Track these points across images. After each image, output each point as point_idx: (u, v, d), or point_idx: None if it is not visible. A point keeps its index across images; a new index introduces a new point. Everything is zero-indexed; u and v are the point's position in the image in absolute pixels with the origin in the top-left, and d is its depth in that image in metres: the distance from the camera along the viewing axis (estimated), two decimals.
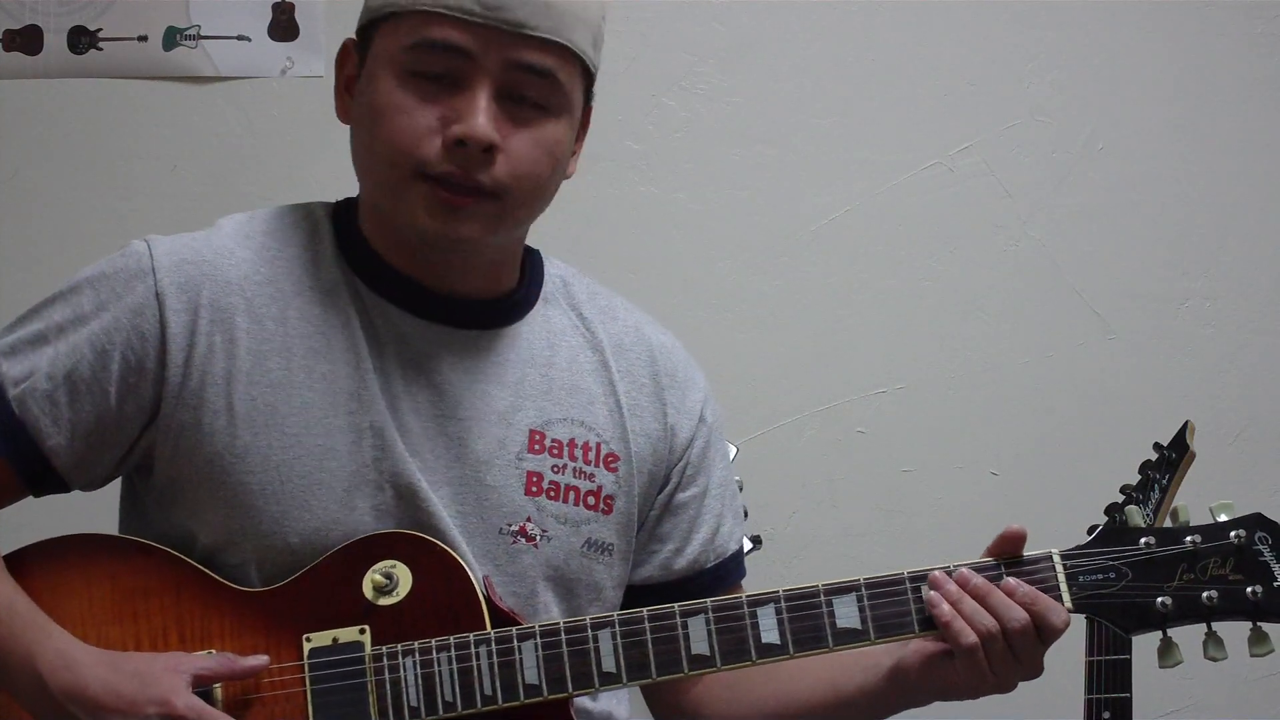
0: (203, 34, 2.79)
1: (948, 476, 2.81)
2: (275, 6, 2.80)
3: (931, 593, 1.64)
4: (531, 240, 1.83)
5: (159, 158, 2.80)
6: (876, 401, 2.81)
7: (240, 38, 2.80)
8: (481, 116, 1.63)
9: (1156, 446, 2.16)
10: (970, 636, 1.62)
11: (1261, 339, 2.82)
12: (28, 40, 2.79)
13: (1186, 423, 2.16)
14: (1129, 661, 2.16)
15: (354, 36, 1.75)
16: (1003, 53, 2.82)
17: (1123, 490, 2.15)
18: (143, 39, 2.79)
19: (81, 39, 2.79)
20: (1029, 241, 2.82)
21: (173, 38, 2.79)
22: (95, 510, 1.82)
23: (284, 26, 2.79)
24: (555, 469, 1.74)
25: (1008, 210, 2.82)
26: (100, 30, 2.79)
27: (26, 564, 1.68)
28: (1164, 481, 2.13)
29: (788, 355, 2.81)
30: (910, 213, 2.82)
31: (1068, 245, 2.82)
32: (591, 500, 1.75)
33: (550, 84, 1.67)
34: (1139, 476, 2.15)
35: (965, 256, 2.82)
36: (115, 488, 1.78)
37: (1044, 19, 2.82)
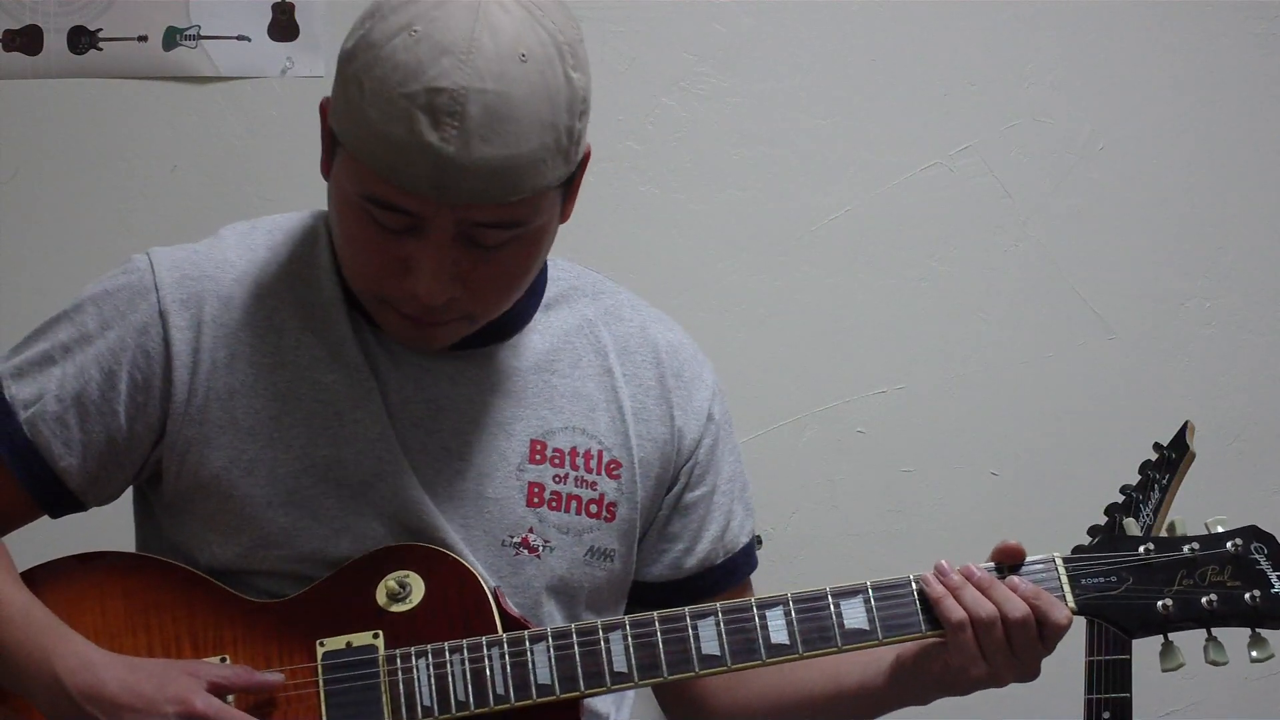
0: (203, 34, 2.79)
1: (948, 476, 2.81)
2: (275, 6, 2.79)
3: (929, 575, 1.66)
4: None
5: (159, 158, 2.79)
6: (876, 401, 2.81)
7: (240, 38, 2.79)
8: (430, 281, 1.57)
9: (1156, 446, 2.16)
10: (959, 613, 1.63)
11: (1261, 339, 2.82)
12: (28, 40, 2.79)
13: (1186, 423, 2.16)
14: (1129, 661, 2.16)
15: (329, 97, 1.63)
16: (1003, 53, 2.82)
17: (1123, 490, 2.14)
18: (143, 39, 2.79)
19: (81, 39, 2.79)
20: (1029, 241, 2.82)
21: (173, 38, 2.79)
22: (112, 524, 1.83)
23: (284, 26, 2.79)
24: (557, 479, 1.73)
25: (1008, 210, 2.82)
26: (100, 30, 2.79)
27: (40, 582, 1.68)
28: (1164, 481, 2.12)
29: (788, 355, 2.81)
30: (910, 213, 2.81)
31: (1068, 245, 2.82)
32: (594, 508, 1.74)
33: (512, 225, 1.59)
34: (1139, 476, 2.15)
35: (965, 257, 2.82)
36: (128, 499, 1.79)
37: (1044, 19, 2.82)
